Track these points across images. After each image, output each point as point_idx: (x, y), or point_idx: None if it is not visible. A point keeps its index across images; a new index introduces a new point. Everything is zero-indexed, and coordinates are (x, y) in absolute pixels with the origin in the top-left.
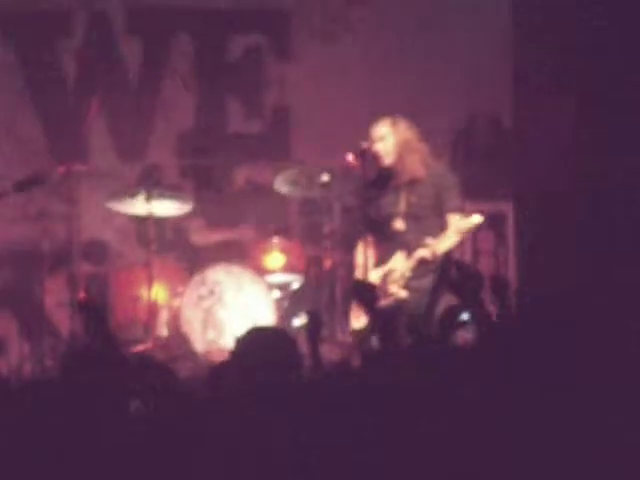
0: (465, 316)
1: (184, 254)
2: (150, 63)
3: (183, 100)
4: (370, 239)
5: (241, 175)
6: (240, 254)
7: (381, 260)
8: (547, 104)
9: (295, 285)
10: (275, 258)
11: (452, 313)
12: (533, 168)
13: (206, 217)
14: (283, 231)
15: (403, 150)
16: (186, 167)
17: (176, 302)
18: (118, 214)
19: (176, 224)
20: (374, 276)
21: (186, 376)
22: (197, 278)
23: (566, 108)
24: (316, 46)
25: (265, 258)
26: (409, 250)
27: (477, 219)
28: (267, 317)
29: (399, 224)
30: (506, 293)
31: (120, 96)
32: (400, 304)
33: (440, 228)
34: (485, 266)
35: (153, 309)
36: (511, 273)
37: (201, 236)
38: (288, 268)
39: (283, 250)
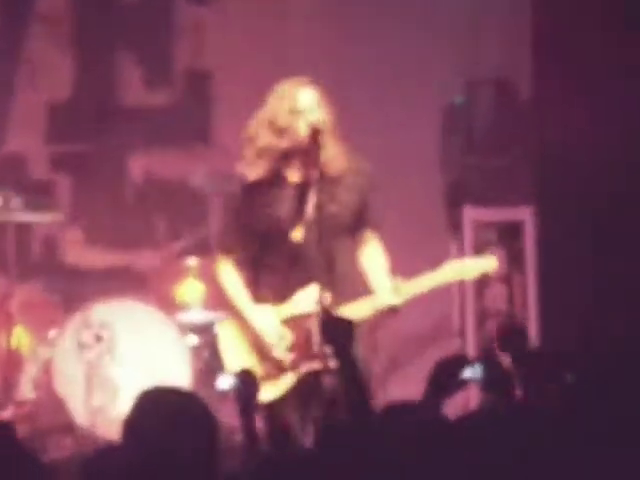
0: (468, 373)
1: (57, 281)
2: (8, 7)
3: (56, 60)
4: (241, 255)
5: (138, 167)
6: (138, 280)
7: (261, 290)
8: (581, 68)
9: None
10: (190, 287)
11: (449, 369)
12: (562, 158)
13: (87, 228)
14: (202, 248)
15: (329, 131)
16: (61, 156)
17: (47, 351)
18: None
19: (46, 237)
20: (268, 318)
21: (61, 458)
22: (77, 317)
23: (607, 76)
24: None
25: (176, 287)
26: (319, 281)
27: (492, 264)
28: (180, 374)
29: (298, 234)
30: (522, 346)
31: None
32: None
33: (351, 248)
34: (494, 299)
35: (14, 361)
36: (531, 306)
37: (80, 256)
38: (210, 301)
39: (202, 275)
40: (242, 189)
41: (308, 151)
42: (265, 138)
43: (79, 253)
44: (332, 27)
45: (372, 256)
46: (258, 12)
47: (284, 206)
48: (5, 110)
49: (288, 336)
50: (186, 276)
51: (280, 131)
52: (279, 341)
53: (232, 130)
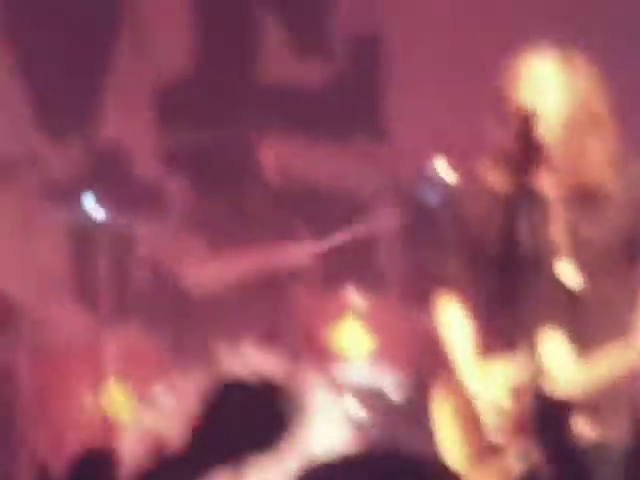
0: None
1: (166, 316)
2: None
3: (170, 22)
4: (467, 292)
5: (277, 163)
6: (279, 311)
7: (492, 341)
8: None
9: (393, 392)
10: (350, 333)
11: None
12: None
13: (206, 241)
14: (367, 277)
15: (581, 122)
16: (174, 149)
17: (153, 417)
18: (36, 239)
19: (153, 256)
20: (492, 381)
21: None
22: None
23: None
24: None
25: (330, 331)
26: (579, 335)
27: None
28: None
29: (565, 268)
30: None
31: None
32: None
33: (622, 291)
34: None
35: (108, 430)
36: None
37: (198, 278)
38: (379, 354)
39: (368, 317)
40: (477, 200)
41: (550, 151)
42: (493, 132)
43: (196, 274)
44: None
45: None
46: None
47: (526, 229)
48: (101, 87)
49: (504, 411)
50: (344, 316)
51: (507, 121)
52: (493, 416)
53: (413, 118)
